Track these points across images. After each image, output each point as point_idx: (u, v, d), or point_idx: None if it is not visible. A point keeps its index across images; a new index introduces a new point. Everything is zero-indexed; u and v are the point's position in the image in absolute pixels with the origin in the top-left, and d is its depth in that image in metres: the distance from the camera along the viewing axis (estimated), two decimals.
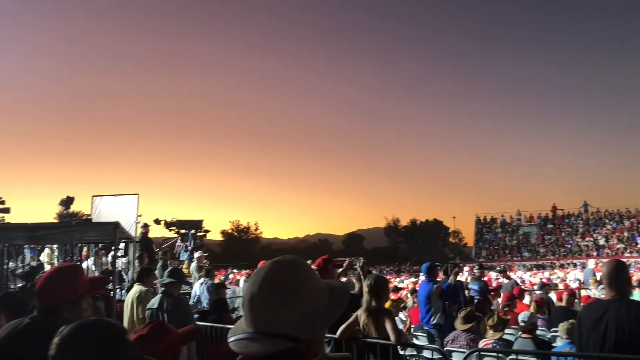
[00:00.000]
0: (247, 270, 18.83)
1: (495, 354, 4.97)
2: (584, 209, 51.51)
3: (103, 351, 1.53)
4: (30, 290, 7.32)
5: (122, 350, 1.57)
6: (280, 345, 1.27)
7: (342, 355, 2.33)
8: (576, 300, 9.72)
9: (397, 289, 13.83)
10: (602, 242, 46.34)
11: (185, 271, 12.79)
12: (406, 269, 51.31)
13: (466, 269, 22.85)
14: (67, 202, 14.85)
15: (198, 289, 9.66)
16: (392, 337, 4.62)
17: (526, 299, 10.50)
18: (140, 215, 14.54)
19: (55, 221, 19.35)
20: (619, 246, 44.74)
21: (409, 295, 12.09)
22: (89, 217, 14.63)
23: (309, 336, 1.31)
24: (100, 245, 13.01)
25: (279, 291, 1.30)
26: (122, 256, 12.33)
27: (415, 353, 5.68)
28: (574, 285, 16.16)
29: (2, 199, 14.77)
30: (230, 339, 1.34)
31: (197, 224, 16.85)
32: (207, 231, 17.37)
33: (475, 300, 9.81)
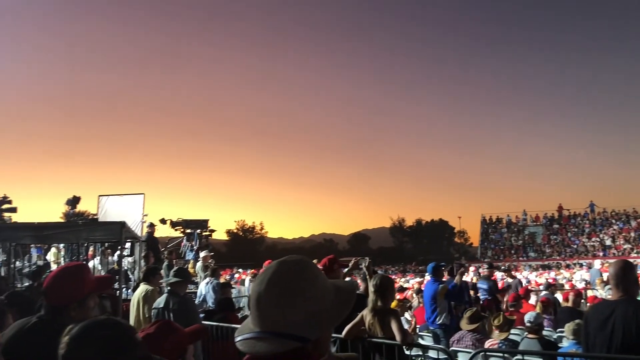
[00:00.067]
0: (253, 270, 18.82)
1: (501, 354, 4.96)
2: (590, 209, 51.25)
3: (112, 350, 1.53)
4: (37, 290, 7.35)
5: (131, 349, 1.58)
6: (287, 345, 1.27)
7: (349, 356, 2.33)
8: (582, 301, 9.69)
9: (402, 289, 13.81)
10: (608, 242, 46.11)
11: (191, 270, 12.82)
12: (411, 268, 51.32)
13: (471, 269, 22.79)
14: (74, 201, 14.92)
15: (204, 288, 9.69)
16: (398, 337, 4.62)
17: (532, 299, 10.47)
18: (146, 215, 14.57)
19: (62, 220, 19.49)
20: (625, 246, 44.50)
21: (414, 295, 12.08)
22: (95, 217, 14.67)
23: (316, 336, 1.31)
24: (106, 244, 13.07)
25: (286, 291, 1.30)
26: (128, 255, 12.37)
27: (420, 353, 5.68)
28: (580, 285, 16.09)
29: (9, 199, 14.86)
30: (237, 339, 1.34)
31: (202, 224, 16.89)
32: (212, 231, 17.43)
33: (482, 301, 9.80)
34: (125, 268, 11.78)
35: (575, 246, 47.26)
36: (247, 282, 15.51)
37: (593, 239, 47.28)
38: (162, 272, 9.61)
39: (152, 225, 14.00)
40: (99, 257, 12.77)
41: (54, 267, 12.70)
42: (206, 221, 17.10)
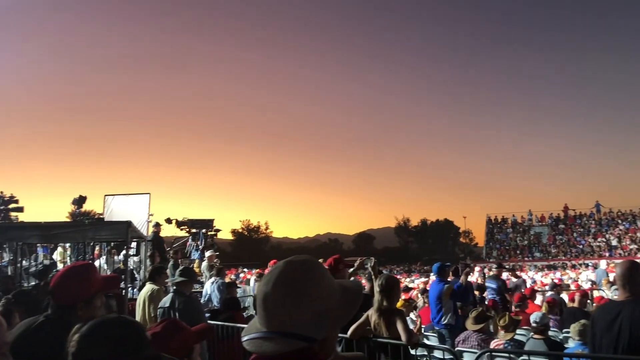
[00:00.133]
0: (258, 270, 18.81)
1: (507, 355, 4.95)
2: (596, 209, 51.00)
3: (123, 349, 1.54)
4: (44, 289, 7.39)
5: (141, 348, 1.58)
6: (293, 345, 1.27)
7: (355, 355, 2.33)
8: (588, 301, 9.65)
9: (407, 289, 13.81)
10: (614, 242, 45.87)
11: (197, 270, 12.83)
12: (417, 268, 51.28)
13: (476, 269, 22.73)
14: (80, 201, 14.95)
15: (209, 288, 9.70)
16: (403, 337, 4.62)
17: (538, 300, 10.45)
18: (151, 215, 14.64)
19: (68, 220, 19.59)
20: (632, 247, 44.27)
21: (419, 295, 12.07)
22: (101, 216, 14.74)
23: (322, 336, 1.32)
24: (112, 244, 13.12)
25: (292, 291, 1.30)
26: (134, 255, 12.41)
27: (426, 353, 5.67)
28: (586, 286, 16.02)
29: (15, 198, 14.91)
30: (244, 338, 1.35)
31: (208, 223, 16.89)
32: (217, 230, 17.41)
33: (486, 301, 9.79)
34: (131, 267, 11.82)
35: (581, 246, 47.06)
36: (252, 282, 15.53)
37: (599, 239, 47.05)
38: (168, 271, 9.62)
39: (157, 225, 14.05)
40: (105, 257, 12.81)
41: (60, 266, 12.76)
42: (211, 221, 17.11)
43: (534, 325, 5.84)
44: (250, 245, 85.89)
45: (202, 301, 9.39)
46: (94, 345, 1.52)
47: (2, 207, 14.49)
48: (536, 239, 50.93)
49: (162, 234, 14.35)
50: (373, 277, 5.79)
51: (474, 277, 16.36)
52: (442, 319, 7.84)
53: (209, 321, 6.43)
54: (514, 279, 14.02)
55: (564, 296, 11.51)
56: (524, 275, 21.53)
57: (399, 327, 4.69)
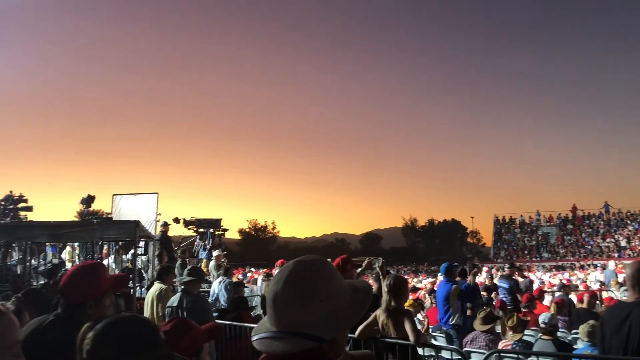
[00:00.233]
0: (265, 269, 18.86)
1: (515, 355, 4.93)
2: (605, 210, 50.71)
3: (138, 347, 1.54)
4: (53, 287, 7.44)
5: (155, 348, 1.58)
6: (303, 345, 1.27)
7: (364, 353, 2.33)
8: (597, 302, 9.60)
9: (415, 289, 13.78)
10: (623, 243, 45.57)
11: (204, 269, 12.87)
12: (424, 269, 51.11)
13: (484, 269, 22.66)
14: (88, 200, 15.02)
15: (216, 287, 9.72)
16: (411, 337, 4.62)
17: (546, 300, 10.40)
18: (159, 214, 14.70)
19: (77, 219, 19.71)
20: None
21: (427, 295, 12.04)
22: (110, 216, 14.81)
23: (332, 336, 1.31)
24: (120, 243, 13.17)
25: (302, 291, 1.31)
26: (142, 254, 12.46)
27: (433, 353, 5.66)
28: (594, 286, 15.94)
29: (24, 198, 15.01)
30: (254, 338, 1.35)
31: (215, 223, 16.93)
32: (225, 230, 17.45)
33: (494, 302, 9.75)
34: (139, 267, 11.87)
35: (589, 247, 46.80)
36: (259, 281, 15.55)
37: (608, 240, 46.78)
38: (176, 271, 9.66)
39: (165, 224, 14.10)
40: (113, 256, 12.87)
41: (68, 265, 12.84)
42: (219, 220, 17.15)
43: (542, 326, 5.81)
44: (257, 245, 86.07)
45: (209, 300, 9.41)
46: (108, 343, 1.52)
47: (11, 207, 14.59)
48: (544, 240, 50.71)
49: (170, 233, 14.40)
50: (381, 277, 5.78)
51: (482, 278, 16.32)
52: (450, 320, 7.82)
53: (216, 320, 6.45)
54: (520, 279, 13.98)
55: (573, 297, 11.46)
56: (531, 276, 21.42)
57: (407, 327, 4.68)
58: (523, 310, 8.66)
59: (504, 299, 9.88)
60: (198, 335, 2.38)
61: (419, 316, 8.78)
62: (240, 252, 74.95)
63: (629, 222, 48.25)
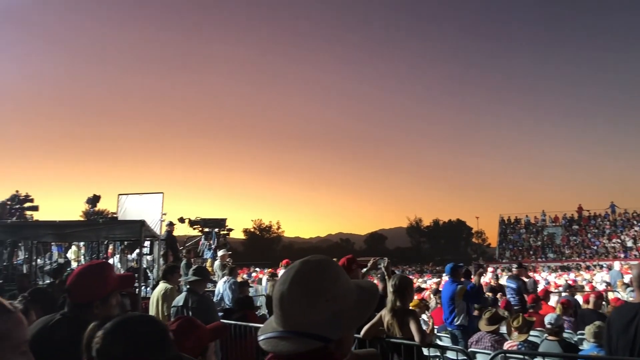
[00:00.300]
0: (270, 269, 18.88)
1: (520, 356, 4.91)
2: (611, 210, 50.43)
3: (147, 347, 1.53)
4: (59, 287, 7.46)
5: (165, 347, 1.58)
6: (309, 345, 1.27)
7: (369, 352, 2.33)
8: (603, 303, 9.56)
9: (420, 290, 13.74)
10: (629, 243, 45.31)
11: (209, 269, 12.90)
12: (429, 269, 51.01)
13: (489, 269, 22.57)
14: (94, 200, 15.05)
15: (221, 287, 9.74)
16: (417, 338, 4.61)
17: (552, 301, 10.36)
18: (165, 214, 14.69)
19: (82, 219, 19.76)
20: None
21: (432, 295, 12.01)
22: (115, 215, 14.83)
23: (338, 336, 1.32)
24: (125, 242, 13.21)
25: (308, 291, 1.31)
26: (147, 254, 12.48)
27: (439, 354, 5.65)
28: (600, 287, 15.87)
29: (30, 197, 15.05)
30: (260, 338, 1.35)
31: (220, 223, 16.97)
32: (230, 230, 17.49)
33: (499, 302, 9.72)
34: (145, 266, 11.89)
35: (595, 247, 46.56)
36: (264, 281, 15.58)
37: (614, 240, 46.52)
38: (181, 270, 9.68)
39: (171, 224, 14.12)
40: (118, 255, 12.91)
41: (74, 265, 12.89)
42: (224, 220, 17.18)
43: (548, 326, 5.79)
44: (262, 245, 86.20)
45: (214, 300, 9.43)
46: (118, 342, 1.52)
47: (17, 206, 14.62)
48: (550, 240, 50.47)
49: (175, 233, 14.44)
50: (386, 277, 5.77)
51: (487, 278, 16.27)
52: (455, 320, 7.80)
53: (222, 320, 6.45)
54: (525, 279, 13.94)
55: (579, 297, 11.41)
56: (537, 277, 21.33)
57: (412, 327, 4.67)
58: (529, 310, 8.64)
59: (512, 299, 9.85)
60: (204, 335, 2.38)
61: (424, 316, 8.76)
62: (245, 252, 75.01)
63: (635, 222, 47.95)
